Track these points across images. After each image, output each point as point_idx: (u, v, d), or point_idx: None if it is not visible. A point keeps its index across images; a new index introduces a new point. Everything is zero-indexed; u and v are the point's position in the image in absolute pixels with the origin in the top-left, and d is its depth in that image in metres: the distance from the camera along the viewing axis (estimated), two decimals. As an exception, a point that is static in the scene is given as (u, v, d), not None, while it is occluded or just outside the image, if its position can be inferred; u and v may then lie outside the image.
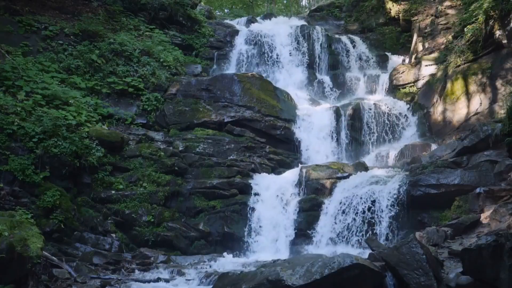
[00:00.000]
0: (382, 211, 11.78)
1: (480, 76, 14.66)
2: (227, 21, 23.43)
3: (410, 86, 17.49)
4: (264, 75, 17.97)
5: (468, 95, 14.84)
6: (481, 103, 14.46)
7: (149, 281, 9.79)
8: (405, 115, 16.30)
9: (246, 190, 13.59)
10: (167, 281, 9.93)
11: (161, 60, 16.89)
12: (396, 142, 15.73)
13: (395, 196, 11.80)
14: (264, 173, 14.30)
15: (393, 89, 17.83)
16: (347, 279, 7.36)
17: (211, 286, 8.81)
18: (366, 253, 9.44)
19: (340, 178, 13.11)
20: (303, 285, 7.28)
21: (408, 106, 16.58)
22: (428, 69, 17.13)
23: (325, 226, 12.25)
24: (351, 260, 7.40)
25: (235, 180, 13.74)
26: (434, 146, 14.35)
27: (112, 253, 11.57)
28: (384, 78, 18.42)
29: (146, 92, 15.73)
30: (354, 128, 15.82)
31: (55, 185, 11.58)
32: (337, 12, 24.35)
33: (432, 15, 19.27)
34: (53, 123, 11.94)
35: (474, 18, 15.11)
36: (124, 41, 16.54)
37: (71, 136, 12.13)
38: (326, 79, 18.70)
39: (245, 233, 12.84)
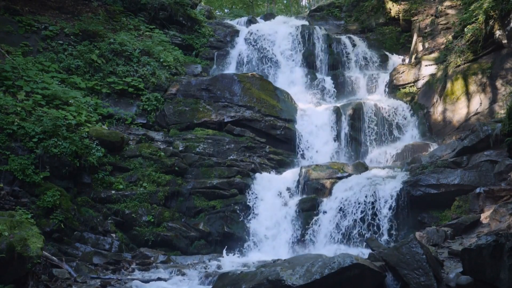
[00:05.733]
0: (382, 211, 11.79)
1: (480, 76, 14.65)
2: (227, 21, 23.42)
3: (410, 86, 17.50)
4: (264, 75, 17.97)
5: (468, 95, 14.84)
6: (481, 103, 14.45)
7: (149, 281, 9.78)
8: (405, 115, 16.29)
9: (246, 190, 13.61)
10: (167, 281, 9.92)
11: (161, 60, 16.89)
12: (396, 142, 15.71)
13: (395, 196, 11.80)
14: (264, 173, 14.29)
15: (393, 89, 17.84)
16: (347, 279, 7.35)
17: (211, 286, 8.80)
18: (366, 253, 9.43)
19: (340, 178, 13.12)
20: (303, 285, 7.27)
21: (408, 106, 16.57)
22: (428, 69, 17.14)
23: (325, 226, 12.25)
24: (351, 260, 7.39)
25: (235, 180, 13.75)
26: (434, 146, 14.34)
27: (112, 253, 11.56)
28: (384, 78, 18.41)
29: (146, 92, 15.74)
30: (354, 128, 15.81)
31: (55, 185, 11.57)
32: (337, 12, 24.35)
33: (432, 15, 19.28)
34: (53, 123, 11.94)
35: (474, 18, 15.11)
36: (124, 41, 16.55)
37: (71, 136, 12.13)
38: (326, 79, 18.69)
39: (245, 233, 12.86)
